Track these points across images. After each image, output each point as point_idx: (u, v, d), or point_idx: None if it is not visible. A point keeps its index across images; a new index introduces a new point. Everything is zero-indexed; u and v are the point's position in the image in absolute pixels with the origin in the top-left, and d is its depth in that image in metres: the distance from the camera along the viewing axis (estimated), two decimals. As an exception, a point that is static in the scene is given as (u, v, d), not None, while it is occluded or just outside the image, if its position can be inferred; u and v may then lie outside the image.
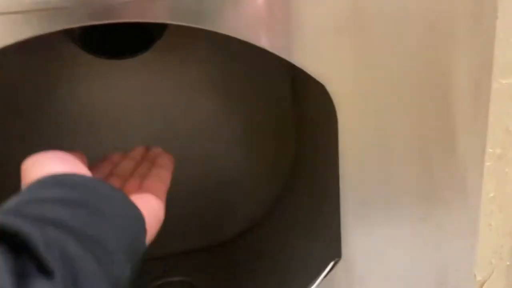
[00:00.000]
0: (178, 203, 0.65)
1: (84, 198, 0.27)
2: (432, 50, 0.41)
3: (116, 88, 0.58)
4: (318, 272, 0.46)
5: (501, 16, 0.43)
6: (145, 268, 0.63)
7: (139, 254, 0.29)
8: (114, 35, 0.44)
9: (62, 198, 0.26)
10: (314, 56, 0.38)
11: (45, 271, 0.21)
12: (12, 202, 0.25)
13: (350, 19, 0.38)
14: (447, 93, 0.43)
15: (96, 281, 0.23)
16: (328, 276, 0.46)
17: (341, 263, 0.45)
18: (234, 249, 0.61)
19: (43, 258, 0.21)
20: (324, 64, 0.38)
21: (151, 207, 0.32)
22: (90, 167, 0.32)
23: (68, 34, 0.50)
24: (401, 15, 0.38)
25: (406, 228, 0.46)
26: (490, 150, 0.48)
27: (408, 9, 0.38)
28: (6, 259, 0.21)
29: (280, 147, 0.65)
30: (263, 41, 0.36)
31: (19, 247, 0.21)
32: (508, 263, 0.54)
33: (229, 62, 0.56)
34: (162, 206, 0.33)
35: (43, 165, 0.29)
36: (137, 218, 0.29)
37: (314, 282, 0.45)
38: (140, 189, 0.34)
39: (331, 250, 0.46)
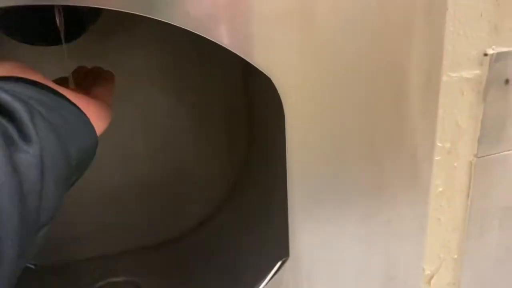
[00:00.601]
0: (124, 199, 0.62)
1: (47, 100, 0.29)
2: (382, 42, 0.39)
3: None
4: (266, 271, 0.44)
5: (451, 8, 0.42)
6: (88, 268, 0.61)
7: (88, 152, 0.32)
8: (40, 18, 0.40)
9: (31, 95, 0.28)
10: (259, 47, 0.35)
11: (25, 138, 0.25)
12: None
13: (298, 6, 0.35)
14: (397, 87, 0.41)
15: (59, 160, 0.27)
16: (276, 276, 0.44)
17: (289, 262, 0.44)
18: (181, 247, 0.59)
19: (27, 127, 0.25)
20: (270, 55, 0.36)
21: (101, 111, 0.35)
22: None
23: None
24: (351, 6, 0.37)
25: (355, 224, 0.45)
26: (439, 144, 0.48)
27: (359, 0, 0.37)
28: None
29: (231, 142, 0.63)
30: (206, 31, 0.34)
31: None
32: (455, 256, 0.55)
33: (176, 49, 0.53)
34: (109, 109, 0.38)
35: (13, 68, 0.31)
36: (88, 127, 0.32)
37: (261, 282, 0.43)
38: (89, 94, 0.37)
39: (279, 248, 0.44)
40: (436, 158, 0.48)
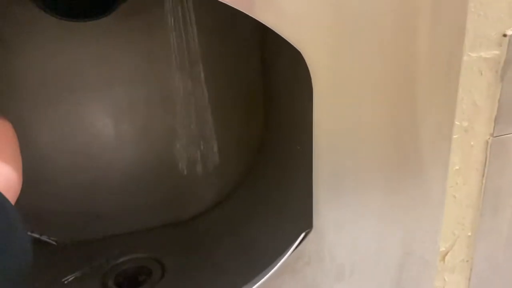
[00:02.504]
0: (144, 178, 0.64)
1: None
2: (408, 21, 0.40)
3: (75, 54, 0.55)
4: (289, 243, 0.45)
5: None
6: (110, 244, 0.62)
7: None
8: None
9: None
10: (291, 20, 0.36)
11: None
12: None
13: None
14: (420, 66, 0.43)
15: None
16: (299, 247, 0.46)
17: (312, 234, 0.45)
18: (203, 224, 0.60)
19: None
20: (301, 29, 0.37)
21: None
22: None
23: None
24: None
25: (376, 199, 0.46)
26: (457, 123, 0.49)
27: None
28: None
29: (249, 119, 0.64)
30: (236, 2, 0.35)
31: None
32: (469, 234, 0.56)
33: (199, 30, 0.54)
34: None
35: None
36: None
37: (285, 253, 0.45)
38: None
39: (302, 221, 0.46)
40: (454, 137, 0.49)
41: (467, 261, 0.58)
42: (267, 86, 0.62)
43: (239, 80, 0.63)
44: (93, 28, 0.52)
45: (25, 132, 0.57)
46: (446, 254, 0.56)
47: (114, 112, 0.60)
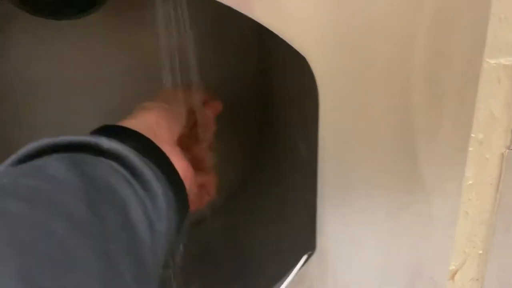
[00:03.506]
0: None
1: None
2: (421, 25, 0.36)
3: (62, 53, 0.51)
4: (289, 266, 0.42)
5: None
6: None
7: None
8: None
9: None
10: (295, 24, 0.32)
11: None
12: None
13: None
14: (435, 73, 0.39)
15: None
16: (300, 271, 0.42)
17: (314, 256, 0.42)
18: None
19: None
20: (306, 33, 0.33)
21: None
22: None
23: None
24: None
25: (385, 218, 0.43)
26: (473, 135, 0.45)
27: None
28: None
29: (245, 124, 0.60)
30: (240, 5, 0.31)
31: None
32: (480, 252, 0.53)
33: (192, 28, 0.50)
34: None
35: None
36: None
37: (285, 278, 0.41)
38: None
39: (304, 242, 0.42)
40: (468, 150, 0.46)
41: (477, 279, 0.54)
42: (265, 90, 0.58)
43: (234, 82, 0.59)
44: (80, 27, 0.48)
45: (12, 134, 0.53)
46: (455, 273, 0.53)
47: (104, 113, 0.56)
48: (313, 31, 0.33)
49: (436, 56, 0.38)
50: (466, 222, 0.50)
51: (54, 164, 0.23)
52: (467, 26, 0.38)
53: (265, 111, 0.59)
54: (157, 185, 0.26)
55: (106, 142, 0.26)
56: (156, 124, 0.32)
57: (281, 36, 0.31)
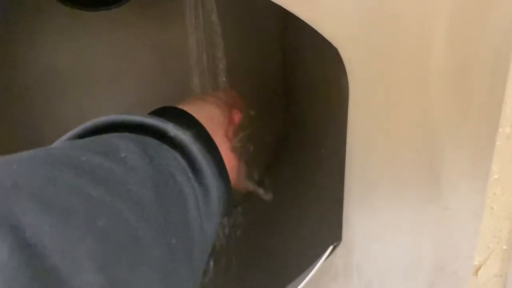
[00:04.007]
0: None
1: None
2: (452, 17, 0.36)
3: (85, 45, 0.51)
4: (315, 257, 0.42)
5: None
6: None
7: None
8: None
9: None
10: (328, 14, 0.33)
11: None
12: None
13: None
14: (463, 66, 0.39)
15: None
16: (325, 262, 0.42)
17: (339, 248, 0.42)
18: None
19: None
20: (339, 25, 0.33)
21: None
22: None
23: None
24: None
25: (411, 211, 0.43)
26: (500, 129, 0.45)
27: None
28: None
29: (268, 117, 0.60)
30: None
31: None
32: (505, 247, 0.52)
33: (220, 22, 0.51)
34: None
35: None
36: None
37: (311, 268, 0.41)
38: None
39: (330, 233, 0.42)
40: (495, 144, 0.45)
41: (501, 275, 0.54)
42: (288, 84, 0.58)
43: (258, 76, 0.59)
44: (105, 19, 0.49)
45: (32, 125, 0.53)
46: (479, 268, 0.52)
47: (126, 108, 0.57)
48: (347, 21, 0.33)
49: (464, 50, 0.38)
50: (491, 217, 0.50)
51: (124, 145, 0.22)
52: (496, 18, 0.38)
53: (287, 104, 0.59)
54: (212, 182, 0.25)
55: (172, 130, 0.26)
56: (213, 117, 0.32)
57: (315, 28, 0.32)
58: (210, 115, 0.33)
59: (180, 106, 0.31)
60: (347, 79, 0.35)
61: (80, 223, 0.17)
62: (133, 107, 0.58)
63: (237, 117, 0.39)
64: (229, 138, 0.35)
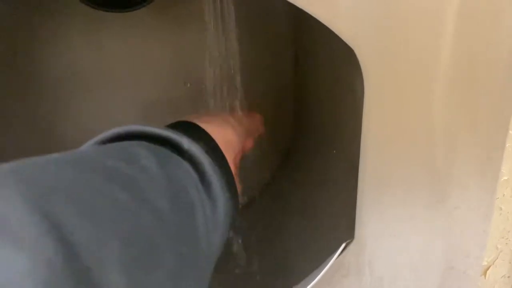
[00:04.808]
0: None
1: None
2: (467, 17, 0.37)
3: (105, 46, 0.53)
4: (328, 254, 0.43)
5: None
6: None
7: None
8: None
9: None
10: (344, 14, 0.34)
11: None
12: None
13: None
14: (477, 66, 0.40)
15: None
16: (338, 259, 0.43)
17: (352, 245, 0.43)
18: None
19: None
20: (355, 26, 0.34)
21: None
22: None
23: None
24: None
25: (422, 210, 0.44)
26: (510, 131, 0.46)
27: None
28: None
29: (279, 117, 0.61)
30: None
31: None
32: (513, 248, 0.53)
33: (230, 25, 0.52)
34: None
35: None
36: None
37: (324, 265, 0.42)
38: None
39: (343, 231, 0.43)
40: (506, 146, 0.46)
41: (509, 277, 0.55)
42: (300, 84, 0.59)
43: (270, 77, 0.60)
44: (125, 20, 0.50)
45: (50, 125, 0.55)
46: (487, 268, 0.53)
47: (143, 108, 0.58)
48: (363, 22, 0.34)
49: (474, 51, 0.39)
50: (499, 218, 0.51)
51: (144, 153, 0.23)
52: (507, 18, 0.38)
53: (298, 104, 0.60)
54: (221, 196, 0.26)
55: (186, 143, 0.27)
56: (228, 141, 0.33)
57: (331, 28, 0.33)
58: (227, 139, 0.34)
59: (201, 123, 0.32)
60: (361, 81, 0.36)
61: (108, 226, 0.18)
62: (150, 106, 0.59)
63: (249, 144, 0.40)
64: (236, 165, 0.36)
